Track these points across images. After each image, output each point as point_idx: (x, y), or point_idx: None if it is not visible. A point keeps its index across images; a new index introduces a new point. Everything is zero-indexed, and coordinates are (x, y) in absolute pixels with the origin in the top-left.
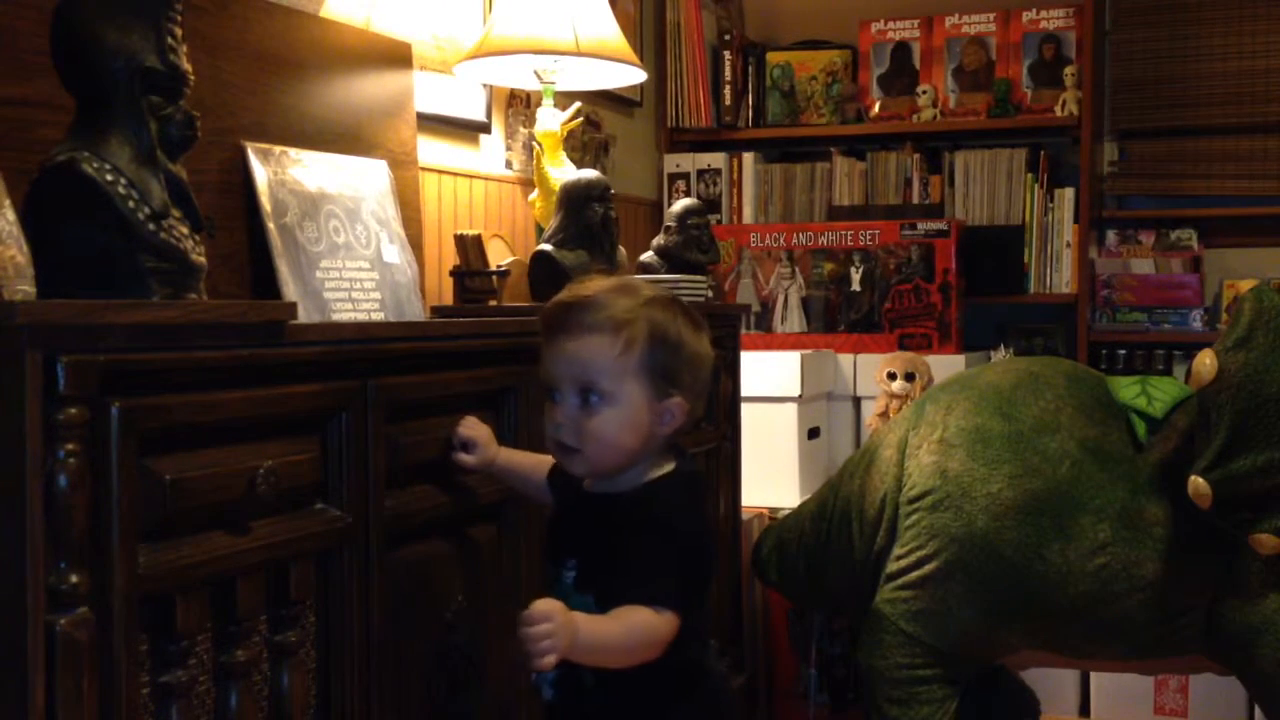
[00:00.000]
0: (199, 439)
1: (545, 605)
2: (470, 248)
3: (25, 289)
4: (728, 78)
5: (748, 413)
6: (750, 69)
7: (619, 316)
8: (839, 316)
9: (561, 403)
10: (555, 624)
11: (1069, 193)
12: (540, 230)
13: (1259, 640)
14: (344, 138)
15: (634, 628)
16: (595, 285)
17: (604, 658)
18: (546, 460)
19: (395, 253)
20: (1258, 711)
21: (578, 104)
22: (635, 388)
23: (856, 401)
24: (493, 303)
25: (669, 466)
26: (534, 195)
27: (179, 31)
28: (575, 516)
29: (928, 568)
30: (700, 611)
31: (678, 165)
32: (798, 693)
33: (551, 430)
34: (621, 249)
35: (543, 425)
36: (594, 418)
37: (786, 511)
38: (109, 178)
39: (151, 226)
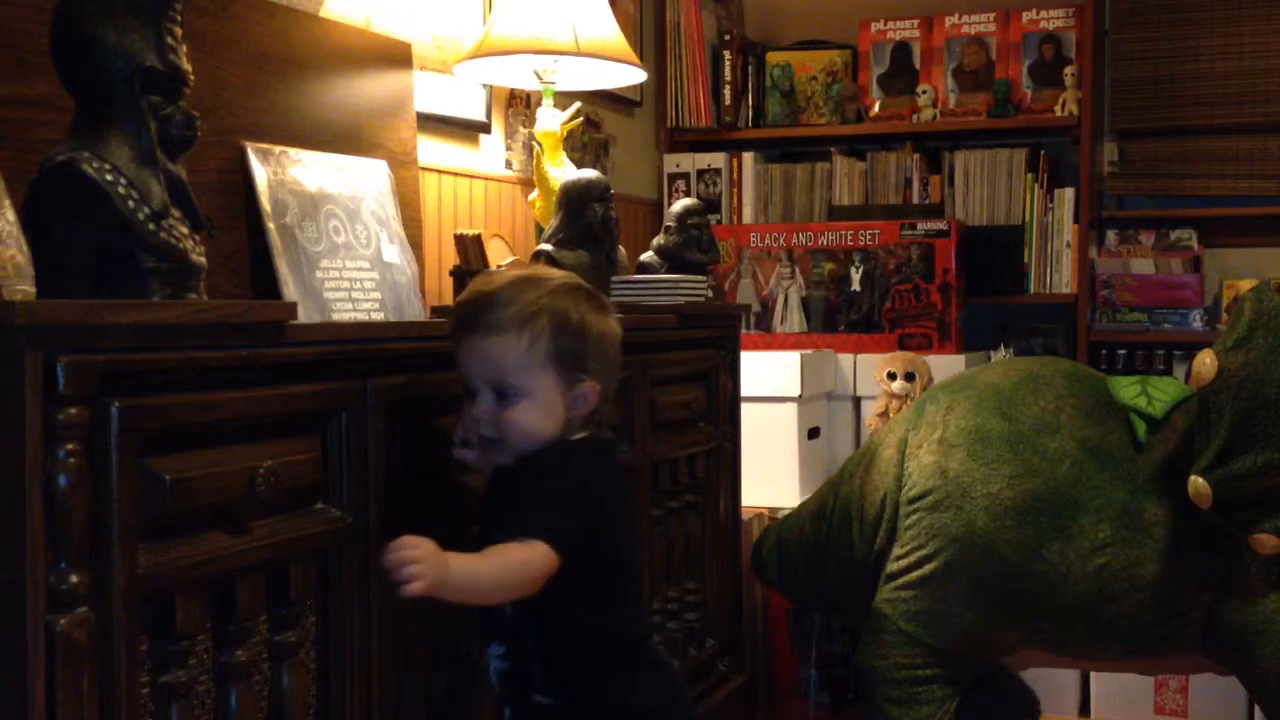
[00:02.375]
0: (199, 439)
1: (413, 537)
2: (470, 248)
3: (25, 289)
4: (728, 78)
5: (748, 413)
6: (750, 69)
7: (523, 313)
8: (839, 316)
9: (479, 400)
10: (423, 552)
11: (1069, 193)
12: (540, 230)
13: (1259, 640)
14: (344, 138)
15: (508, 563)
16: (500, 279)
17: (480, 595)
18: None
19: (395, 253)
20: (1258, 711)
21: (578, 104)
22: (546, 378)
23: (856, 401)
24: None
25: (582, 435)
26: (534, 195)
27: (179, 31)
28: (492, 495)
29: (928, 568)
30: (633, 588)
31: (678, 165)
32: (798, 693)
33: (471, 425)
34: (621, 249)
35: None
36: (510, 411)
37: (786, 511)
38: (109, 178)
39: (151, 226)
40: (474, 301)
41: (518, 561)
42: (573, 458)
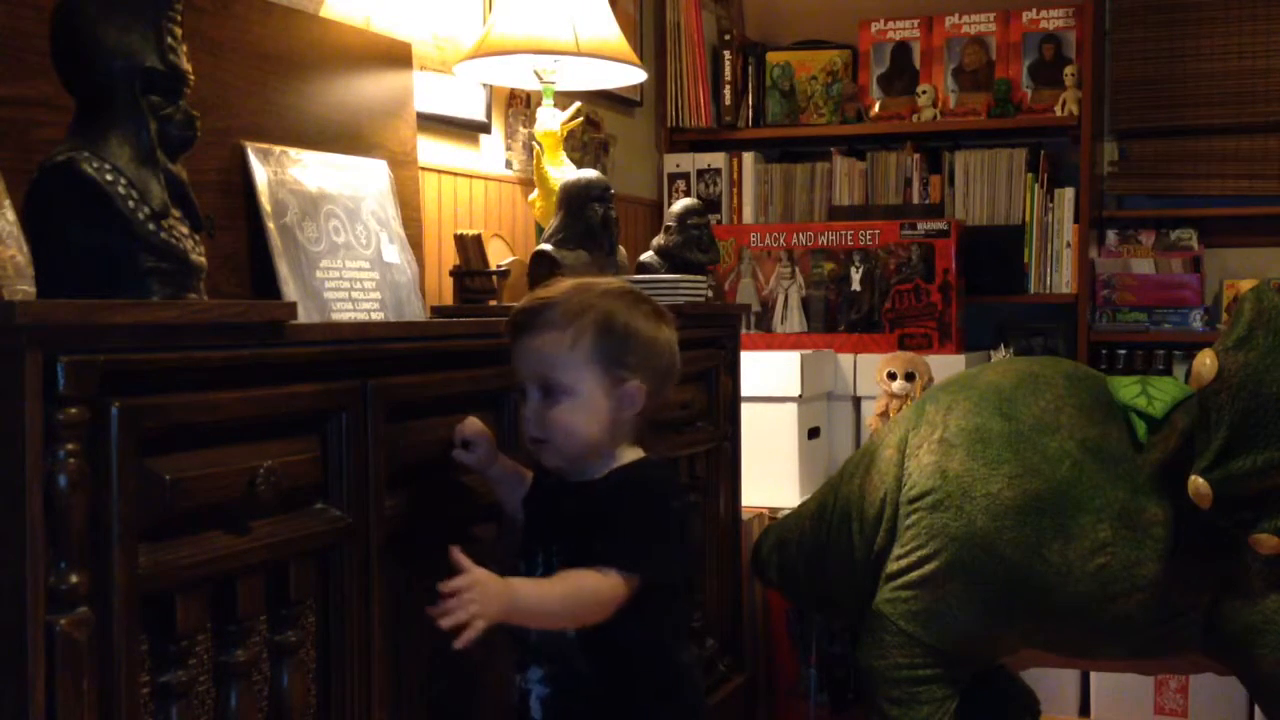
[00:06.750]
0: (199, 439)
1: (462, 577)
2: (470, 248)
3: (25, 289)
4: (728, 78)
5: (748, 413)
6: (750, 69)
7: (569, 312)
8: (839, 316)
9: (527, 399)
10: (477, 589)
11: (1069, 193)
12: (540, 230)
13: (1259, 640)
14: (344, 138)
15: (579, 589)
16: (556, 287)
17: (547, 619)
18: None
19: (395, 253)
20: (1258, 711)
21: (578, 104)
22: (590, 377)
23: (856, 401)
24: (493, 303)
25: (638, 454)
26: (534, 195)
27: (179, 31)
28: (551, 512)
29: (928, 568)
30: (678, 605)
31: (678, 165)
32: (798, 693)
33: (523, 425)
34: (621, 249)
35: None
36: (555, 408)
37: (786, 511)
38: (109, 178)
39: (151, 226)
40: (528, 305)
41: (589, 587)
42: (649, 482)
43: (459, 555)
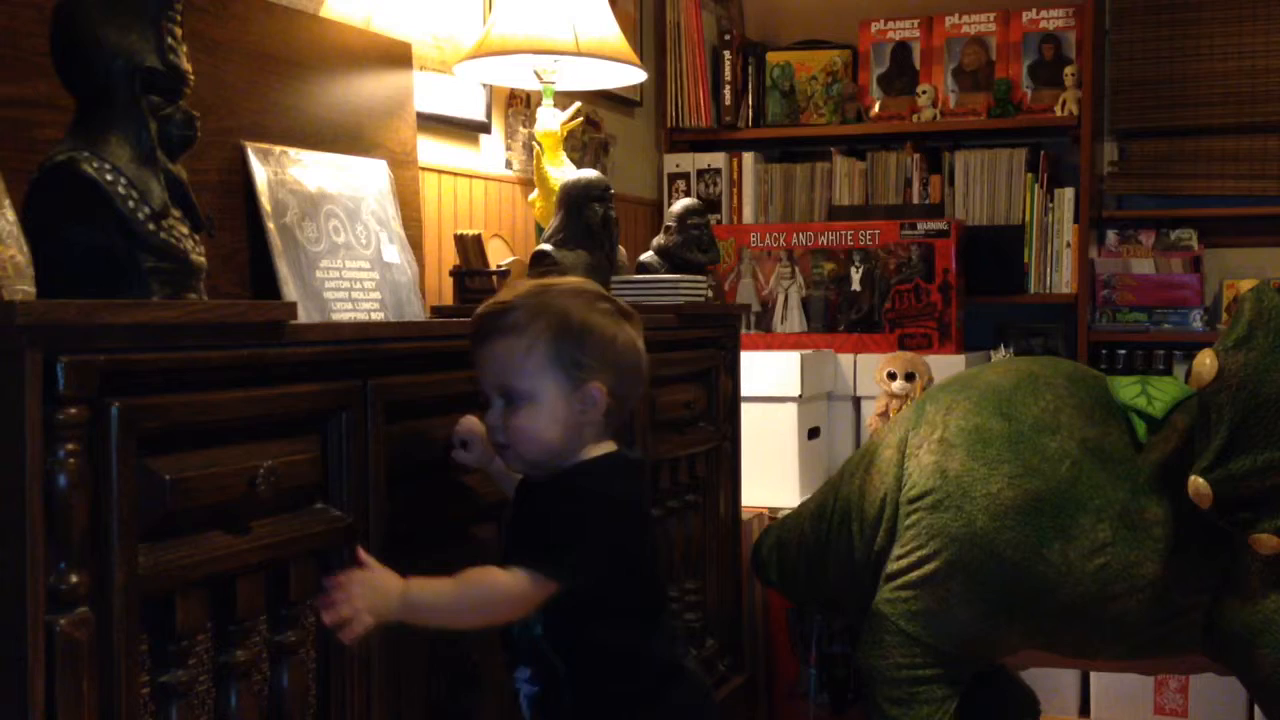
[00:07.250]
0: (199, 439)
1: (351, 572)
2: (470, 248)
3: (25, 289)
4: (728, 78)
5: (748, 413)
6: (750, 69)
7: (525, 316)
8: (839, 316)
9: (491, 407)
10: (365, 585)
11: (1069, 193)
12: (540, 230)
13: (1259, 640)
14: (344, 138)
15: (477, 586)
16: (514, 289)
17: (447, 619)
18: None
19: (395, 253)
20: (1258, 711)
21: (578, 104)
22: (550, 382)
23: (856, 401)
24: None
25: (604, 450)
26: (534, 195)
27: (179, 31)
28: (516, 513)
29: (928, 568)
30: (645, 604)
31: (678, 165)
32: (798, 693)
33: (488, 432)
34: (621, 249)
35: None
36: (516, 416)
37: (786, 511)
38: (109, 178)
39: (151, 226)
40: (485, 311)
41: (488, 585)
42: (583, 483)
43: (363, 553)
